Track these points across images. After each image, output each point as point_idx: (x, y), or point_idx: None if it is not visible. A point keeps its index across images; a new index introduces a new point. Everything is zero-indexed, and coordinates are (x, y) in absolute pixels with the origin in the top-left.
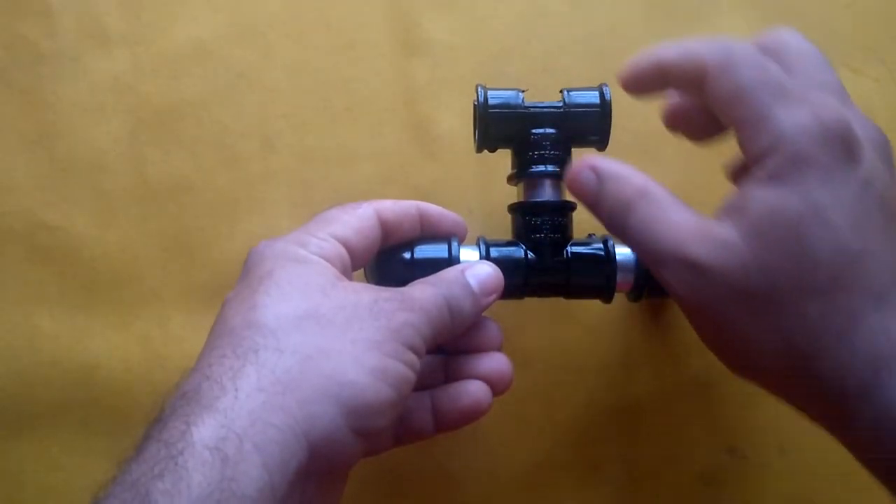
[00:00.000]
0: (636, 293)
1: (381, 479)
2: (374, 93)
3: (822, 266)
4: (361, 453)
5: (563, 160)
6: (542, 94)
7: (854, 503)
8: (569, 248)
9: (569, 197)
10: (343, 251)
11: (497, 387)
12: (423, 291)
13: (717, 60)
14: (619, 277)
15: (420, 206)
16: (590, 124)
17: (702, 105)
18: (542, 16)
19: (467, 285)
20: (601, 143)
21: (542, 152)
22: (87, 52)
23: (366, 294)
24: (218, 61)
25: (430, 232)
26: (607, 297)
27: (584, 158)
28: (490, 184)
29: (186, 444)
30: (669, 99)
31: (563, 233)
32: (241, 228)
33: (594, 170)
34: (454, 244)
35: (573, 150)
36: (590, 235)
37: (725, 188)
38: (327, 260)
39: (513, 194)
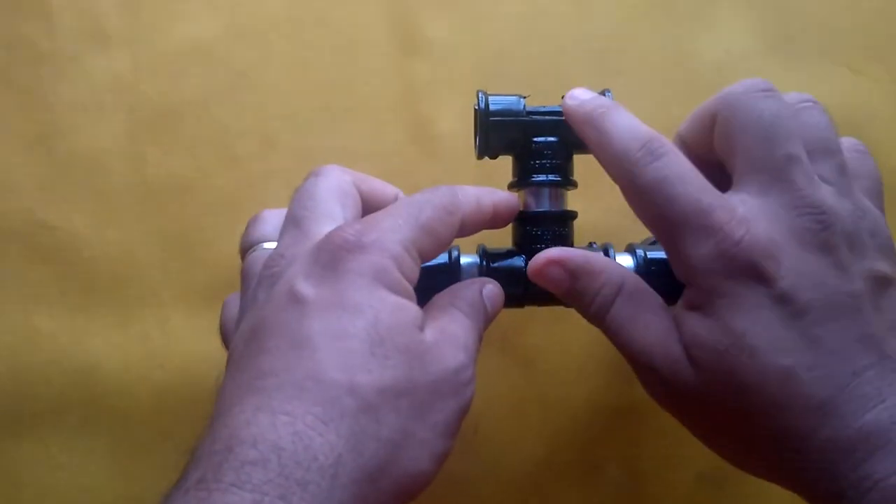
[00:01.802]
0: None
1: None
2: (374, 93)
3: (756, 392)
4: None
5: (564, 168)
6: (543, 94)
7: None
8: None
9: (570, 206)
10: (419, 269)
11: None
12: (472, 334)
13: (722, 116)
14: None
15: (492, 204)
16: None
17: None
18: (542, 16)
19: (486, 311)
20: None
21: (544, 161)
22: (86, 52)
23: (449, 358)
24: (218, 61)
25: (496, 223)
26: None
27: (546, 253)
28: (490, 184)
29: None
30: None
31: (564, 242)
32: (240, 228)
33: (562, 265)
34: (454, 252)
35: (575, 155)
36: (591, 244)
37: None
38: (412, 284)
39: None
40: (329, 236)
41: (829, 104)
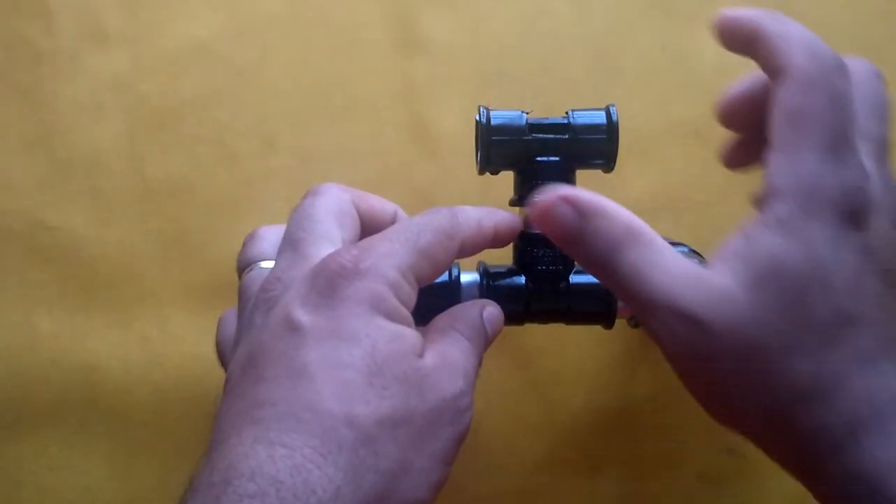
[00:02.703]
0: (636, 320)
1: None
2: (374, 92)
3: (817, 326)
4: None
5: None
6: (543, 94)
7: None
8: (570, 277)
9: None
10: (416, 295)
11: None
12: (472, 359)
13: (804, 69)
14: (620, 304)
15: (493, 226)
16: (596, 148)
17: (759, 105)
18: (542, 15)
19: (486, 334)
20: (608, 166)
21: (546, 181)
22: (85, 52)
23: (447, 386)
24: (217, 60)
25: (497, 243)
26: (608, 324)
27: (553, 189)
28: (490, 184)
29: None
30: (733, 87)
31: (565, 263)
32: (240, 228)
33: (573, 204)
34: (454, 270)
35: (578, 171)
36: None
37: (725, 189)
38: (409, 309)
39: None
40: (325, 262)
41: None
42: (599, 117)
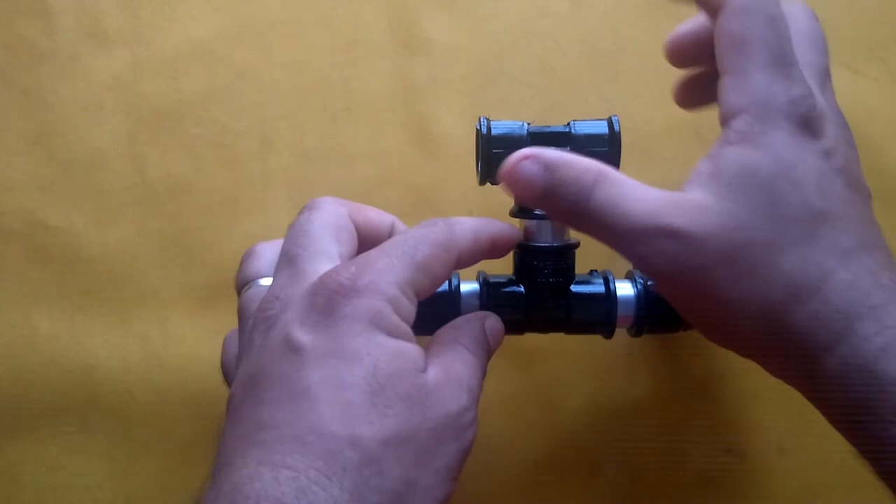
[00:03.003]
0: (637, 329)
1: None
2: (374, 93)
3: (792, 222)
4: None
5: None
6: (543, 94)
7: (853, 503)
8: (570, 287)
9: (573, 237)
10: (416, 309)
11: None
12: (476, 372)
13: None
14: (620, 313)
15: (489, 239)
16: (598, 159)
17: (704, 48)
18: (542, 16)
19: (489, 345)
20: None
21: None
22: (86, 52)
23: (450, 401)
24: (217, 61)
25: (495, 252)
26: (608, 334)
27: (518, 152)
28: (490, 185)
29: None
30: (680, 26)
31: (565, 275)
32: (240, 228)
33: (537, 158)
34: (454, 280)
35: None
36: (591, 272)
37: None
38: (409, 324)
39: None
40: (323, 280)
41: None
42: (601, 127)
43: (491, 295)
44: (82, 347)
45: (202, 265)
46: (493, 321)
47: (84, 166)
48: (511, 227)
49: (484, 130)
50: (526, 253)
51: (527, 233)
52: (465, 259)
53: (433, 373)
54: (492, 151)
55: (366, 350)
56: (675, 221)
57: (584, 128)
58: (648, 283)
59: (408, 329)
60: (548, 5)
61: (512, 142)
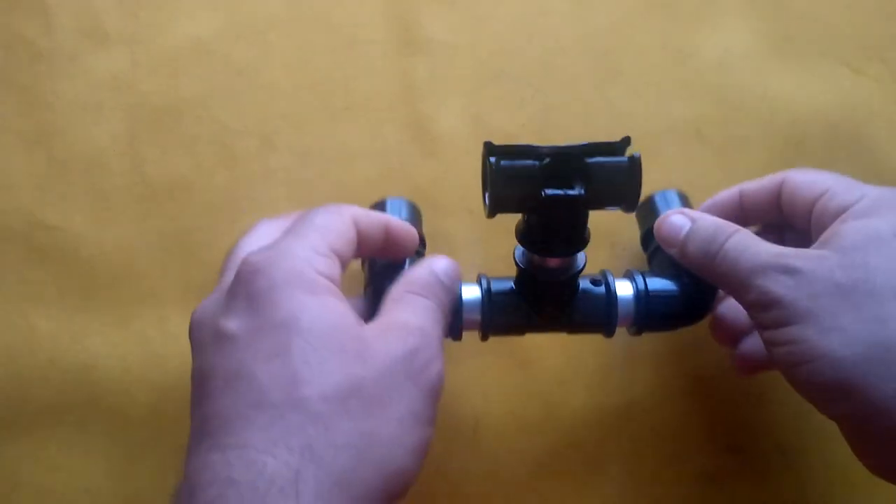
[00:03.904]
0: (637, 328)
1: None
2: (374, 92)
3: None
4: None
5: (578, 237)
6: (543, 95)
7: (853, 503)
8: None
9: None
10: (340, 268)
11: None
12: (428, 313)
13: (794, 170)
14: (621, 313)
15: (387, 221)
16: (616, 197)
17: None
18: (543, 15)
19: (444, 283)
20: (628, 209)
21: (556, 237)
22: (85, 51)
23: (394, 346)
24: (217, 60)
25: (392, 245)
26: (608, 333)
27: (671, 212)
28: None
29: None
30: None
31: (570, 298)
32: (239, 227)
33: (685, 215)
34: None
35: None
36: (592, 281)
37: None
38: (334, 283)
39: None
40: (240, 269)
41: (829, 104)
42: (622, 169)
43: (492, 301)
44: (81, 347)
45: (202, 265)
46: (440, 262)
47: (83, 165)
48: (410, 228)
49: (494, 168)
50: (532, 279)
51: (532, 259)
52: (361, 223)
53: (373, 325)
54: (501, 194)
55: (290, 314)
56: (797, 263)
57: (603, 169)
58: (647, 281)
59: (331, 285)
60: (548, 5)
61: (522, 186)
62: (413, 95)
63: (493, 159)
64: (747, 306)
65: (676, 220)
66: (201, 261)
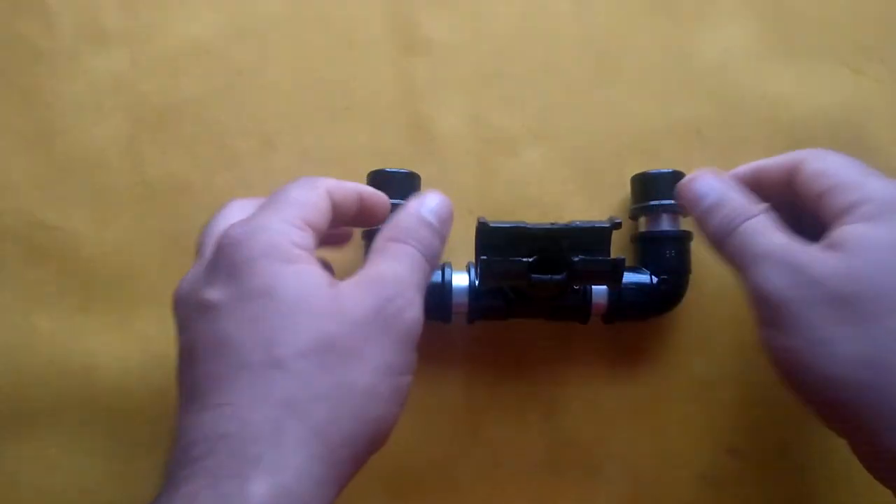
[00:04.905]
0: (609, 316)
1: (380, 481)
2: (374, 92)
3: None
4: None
5: (563, 306)
6: (542, 95)
7: (854, 503)
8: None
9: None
10: (314, 239)
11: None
12: (405, 259)
13: (810, 153)
14: (595, 300)
15: (360, 189)
16: (598, 282)
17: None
18: (543, 15)
19: (430, 224)
20: (611, 289)
21: (542, 307)
22: (85, 51)
23: (366, 299)
24: (217, 60)
25: (365, 213)
26: (583, 319)
27: (700, 173)
28: (490, 184)
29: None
30: None
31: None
32: None
33: (715, 177)
34: (446, 271)
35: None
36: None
37: None
38: (310, 253)
39: (513, 197)
40: (220, 242)
41: (829, 104)
42: (605, 267)
43: (479, 287)
44: (81, 347)
45: None
46: (430, 199)
47: (83, 165)
48: (382, 196)
49: (484, 260)
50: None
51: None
52: (335, 195)
53: (350, 279)
54: (488, 287)
55: (267, 284)
56: (804, 259)
57: (586, 264)
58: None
59: (305, 254)
60: (548, 5)
61: (511, 276)
62: (413, 95)
63: (483, 257)
64: (747, 293)
65: (701, 187)
66: None
